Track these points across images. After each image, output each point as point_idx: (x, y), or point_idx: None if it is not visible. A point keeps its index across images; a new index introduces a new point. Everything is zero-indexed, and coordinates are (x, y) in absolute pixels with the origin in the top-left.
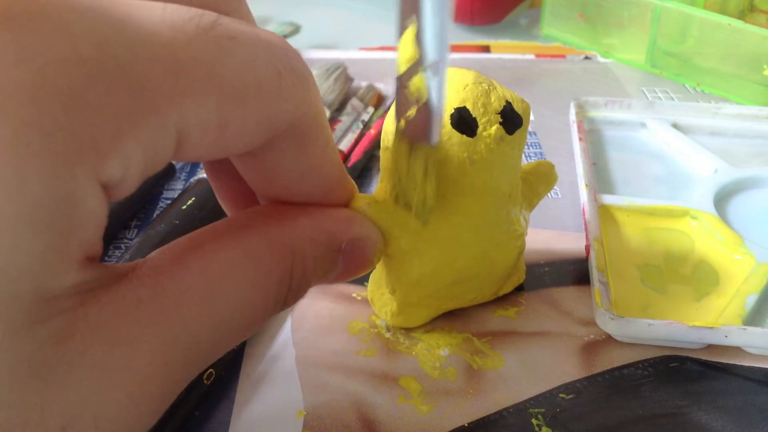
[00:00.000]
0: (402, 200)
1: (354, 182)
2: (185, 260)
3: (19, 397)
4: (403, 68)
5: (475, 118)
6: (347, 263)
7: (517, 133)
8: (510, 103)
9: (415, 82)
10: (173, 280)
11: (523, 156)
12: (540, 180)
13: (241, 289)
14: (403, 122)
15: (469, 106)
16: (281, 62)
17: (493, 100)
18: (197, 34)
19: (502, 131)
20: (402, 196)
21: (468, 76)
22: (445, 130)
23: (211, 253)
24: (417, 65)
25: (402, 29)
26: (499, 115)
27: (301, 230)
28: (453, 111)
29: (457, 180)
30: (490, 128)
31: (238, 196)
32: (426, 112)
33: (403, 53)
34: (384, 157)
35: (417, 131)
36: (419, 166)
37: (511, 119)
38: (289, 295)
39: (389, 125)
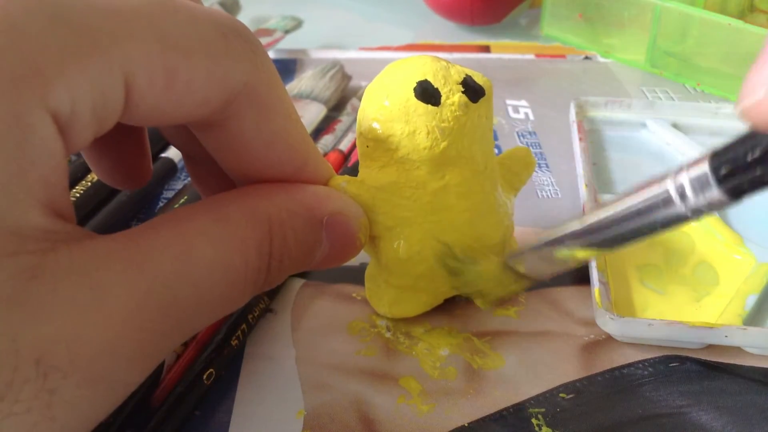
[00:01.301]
0: (464, 291)
1: (331, 165)
2: (158, 227)
3: None
4: (564, 256)
5: (437, 88)
6: (332, 240)
7: (482, 102)
8: (469, 76)
9: (569, 257)
10: (145, 239)
11: None
12: (518, 163)
13: (216, 250)
14: (522, 267)
15: (430, 79)
16: (225, 26)
17: (452, 73)
18: None
19: (466, 99)
20: (466, 287)
21: (425, 56)
22: (410, 103)
23: (183, 220)
24: (587, 261)
25: (585, 244)
26: (460, 85)
27: (277, 202)
28: (415, 85)
29: (431, 150)
30: (453, 96)
31: (217, 191)
32: (554, 269)
33: (575, 255)
34: (360, 142)
35: (534, 275)
36: (509, 286)
37: (473, 88)
38: (271, 265)
39: (365, 111)
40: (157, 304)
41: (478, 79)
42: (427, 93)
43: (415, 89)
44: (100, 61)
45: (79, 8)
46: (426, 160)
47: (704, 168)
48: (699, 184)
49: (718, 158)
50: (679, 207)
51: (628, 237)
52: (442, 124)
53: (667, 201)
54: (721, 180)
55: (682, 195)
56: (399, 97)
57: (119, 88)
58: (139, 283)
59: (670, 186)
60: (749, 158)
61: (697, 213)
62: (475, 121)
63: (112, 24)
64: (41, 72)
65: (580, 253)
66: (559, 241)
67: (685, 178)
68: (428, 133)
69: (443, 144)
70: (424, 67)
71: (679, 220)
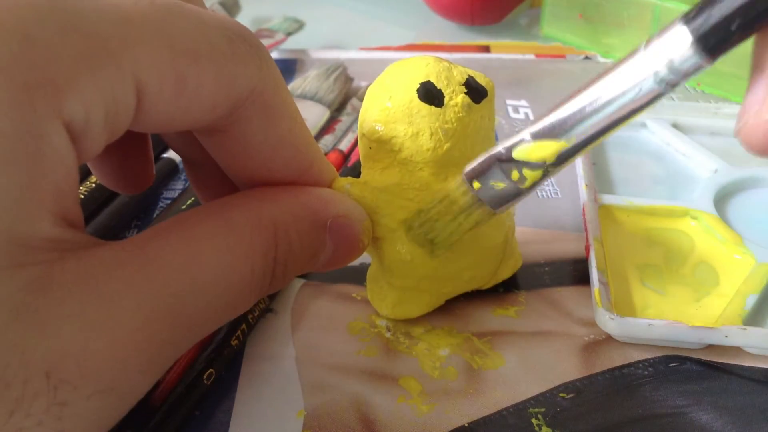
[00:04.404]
0: (422, 233)
1: (333, 167)
2: (165, 233)
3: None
4: (523, 155)
5: (440, 90)
6: (336, 242)
7: (484, 102)
8: (472, 77)
9: (528, 173)
10: (153, 247)
11: None
12: None
13: (222, 257)
14: (478, 184)
15: (432, 80)
16: (231, 31)
17: (455, 74)
18: None
19: (469, 100)
20: (426, 230)
21: (428, 57)
22: (413, 104)
23: (190, 226)
24: (543, 165)
25: (547, 133)
26: (463, 86)
27: (282, 206)
28: (418, 86)
29: (435, 152)
30: (456, 97)
31: (218, 196)
32: (515, 193)
33: (536, 151)
34: (362, 143)
35: (490, 198)
36: (471, 221)
37: (475, 89)
38: (276, 270)
39: (368, 113)
40: (164, 313)
41: (481, 79)
42: (430, 94)
43: (418, 90)
44: (113, 68)
45: (90, 15)
46: (429, 162)
47: (681, 33)
48: (675, 52)
49: (693, 20)
50: (654, 80)
51: (603, 127)
52: (446, 126)
53: (640, 75)
54: (700, 40)
55: (658, 72)
56: (402, 99)
57: (131, 95)
58: (148, 293)
59: (644, 59)
60: (726, 11)
61: (671, 83)
62: (478, 122)
63: (123, 31)
64: (54, 81)
65: (537, 152)
66: (516, 143)
67: (660, 49)
68: (431, 135)
69: (446, 145)
70: (427, 68)
71: (654, 96)
